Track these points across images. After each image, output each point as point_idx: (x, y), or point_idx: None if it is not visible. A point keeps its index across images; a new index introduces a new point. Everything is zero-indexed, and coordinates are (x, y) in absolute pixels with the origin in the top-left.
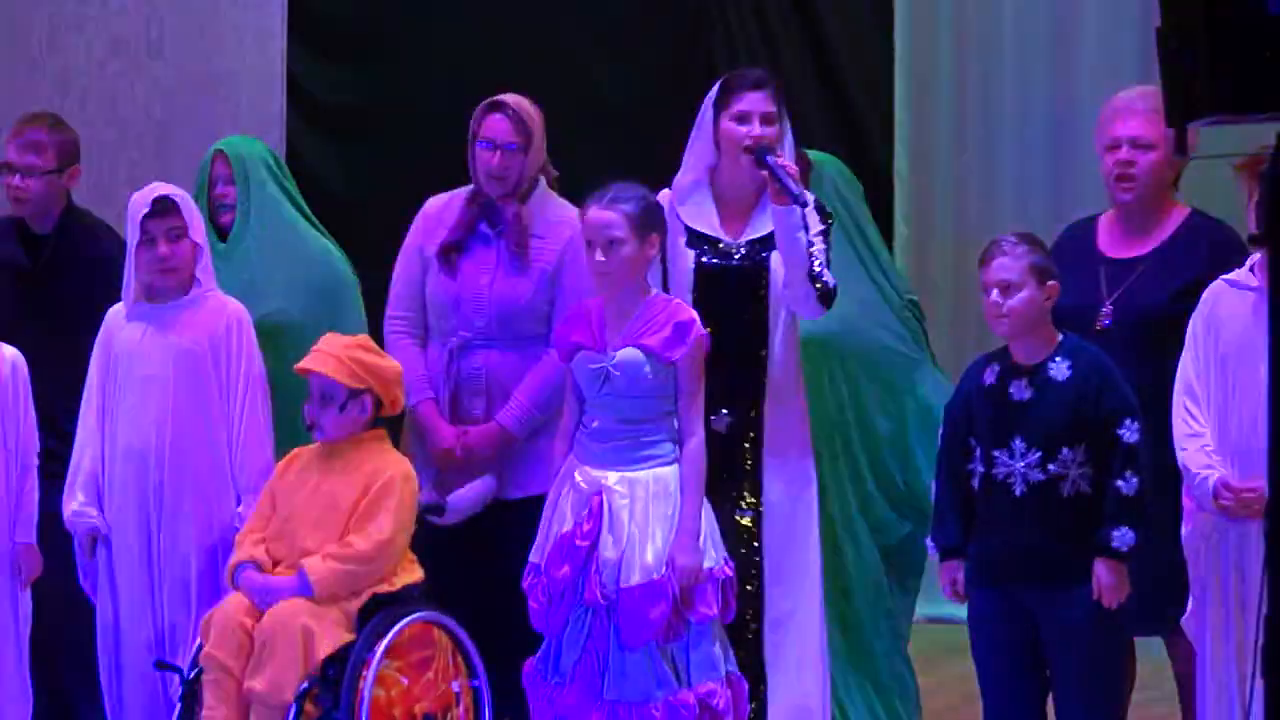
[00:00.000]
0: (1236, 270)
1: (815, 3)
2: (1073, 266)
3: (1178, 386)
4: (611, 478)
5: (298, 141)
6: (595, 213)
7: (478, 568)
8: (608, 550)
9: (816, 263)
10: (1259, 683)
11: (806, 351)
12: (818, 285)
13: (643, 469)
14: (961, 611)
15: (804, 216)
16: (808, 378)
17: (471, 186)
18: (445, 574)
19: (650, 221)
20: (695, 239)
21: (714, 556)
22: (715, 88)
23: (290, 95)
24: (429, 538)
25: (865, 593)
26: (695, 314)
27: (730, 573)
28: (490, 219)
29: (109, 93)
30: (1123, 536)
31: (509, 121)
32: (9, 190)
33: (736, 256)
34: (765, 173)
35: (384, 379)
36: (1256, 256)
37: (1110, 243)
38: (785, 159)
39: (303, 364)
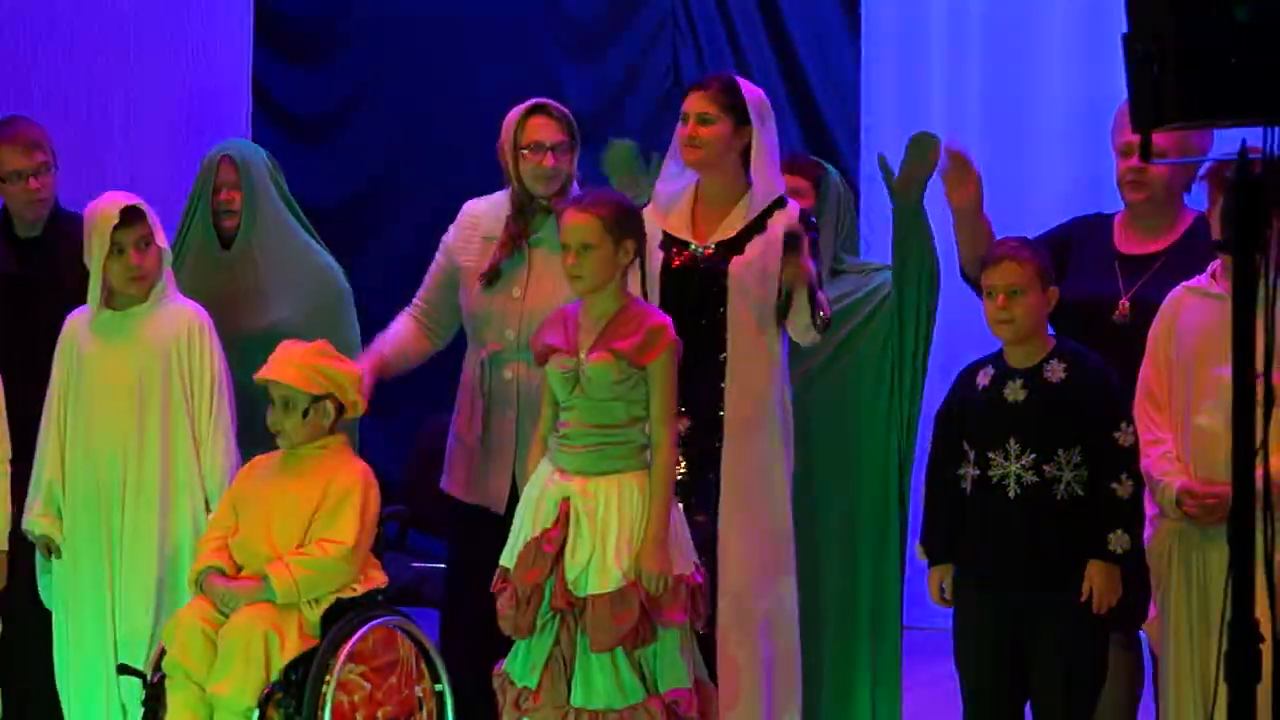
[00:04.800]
0: (1198, 277)
1: (781, 7)
2: (1090, 260)
3: (1139, 393)
4: (581, 483)
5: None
6: (570, 216)
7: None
8: (575, 556)
9: (820, 313)
10: (1222, 689)
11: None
12: (818, 322)
13: (612, 474)
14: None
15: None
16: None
17: (507, 191)
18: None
19: (625, 227)
20: (667, 241)
21: (683, 563)
22: None
23: (256, 101)
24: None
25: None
26: (669, 320)
27: (701, 579)
28: (534, 225)
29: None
30: (1118, 540)
31: (554, 121)
32: (23, 195)
33: (701, 261)
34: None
35: (343, 384)
36: (1217, 263)
37: (1125, 239)
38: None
39: (262, 372)
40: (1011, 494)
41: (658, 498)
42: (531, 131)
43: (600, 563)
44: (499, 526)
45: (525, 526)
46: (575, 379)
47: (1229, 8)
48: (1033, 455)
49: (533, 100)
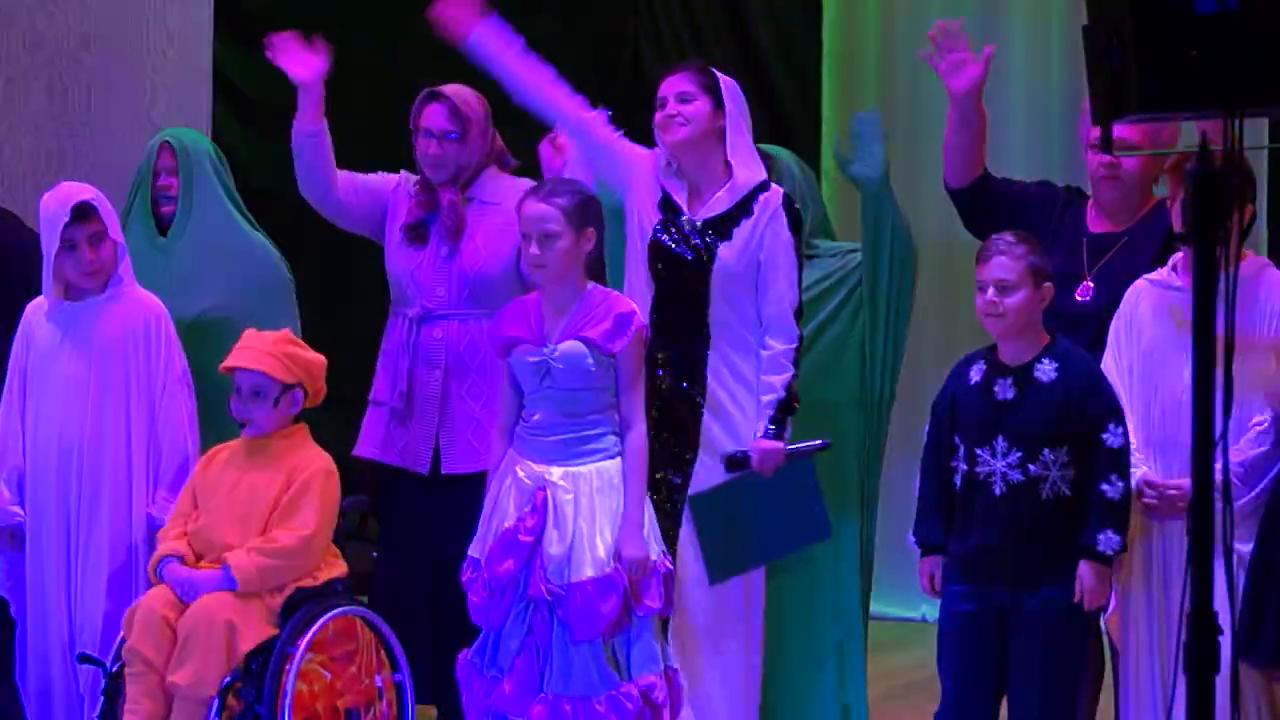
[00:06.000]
0: (1159, 270)
1: (744, 2)
2: (1063, 238)
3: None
4: (555, 472)
5: (225, 137)
6: (530, 206)
7: (421, 549)
8: (553, 546)
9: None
10: (1181, 680)
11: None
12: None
13: (586, 463)
14: (891, 609)
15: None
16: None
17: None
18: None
19: (586, 215)
20: (666, 203)
21: (656, 549)
22: None
23: (218, 91)
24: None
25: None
26: (634, 306)
27: (670, 566)
28: (433, 204)
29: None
30: (1108, 540)
31: (446, 111)
32: None
33: (690, 242)
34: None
35: (312, 371)
36: (1179, 256)
37: (1093, 220)
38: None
39: (233, 361)
40: (998, 491)
41: (633, 483)
42: (425, 118)
43: (581, 552)
44: (421, 487)
45: (496, 517)
46: (545, 369)
47: (1189, 1)
48: (1019, 454)
49: (437, 87)
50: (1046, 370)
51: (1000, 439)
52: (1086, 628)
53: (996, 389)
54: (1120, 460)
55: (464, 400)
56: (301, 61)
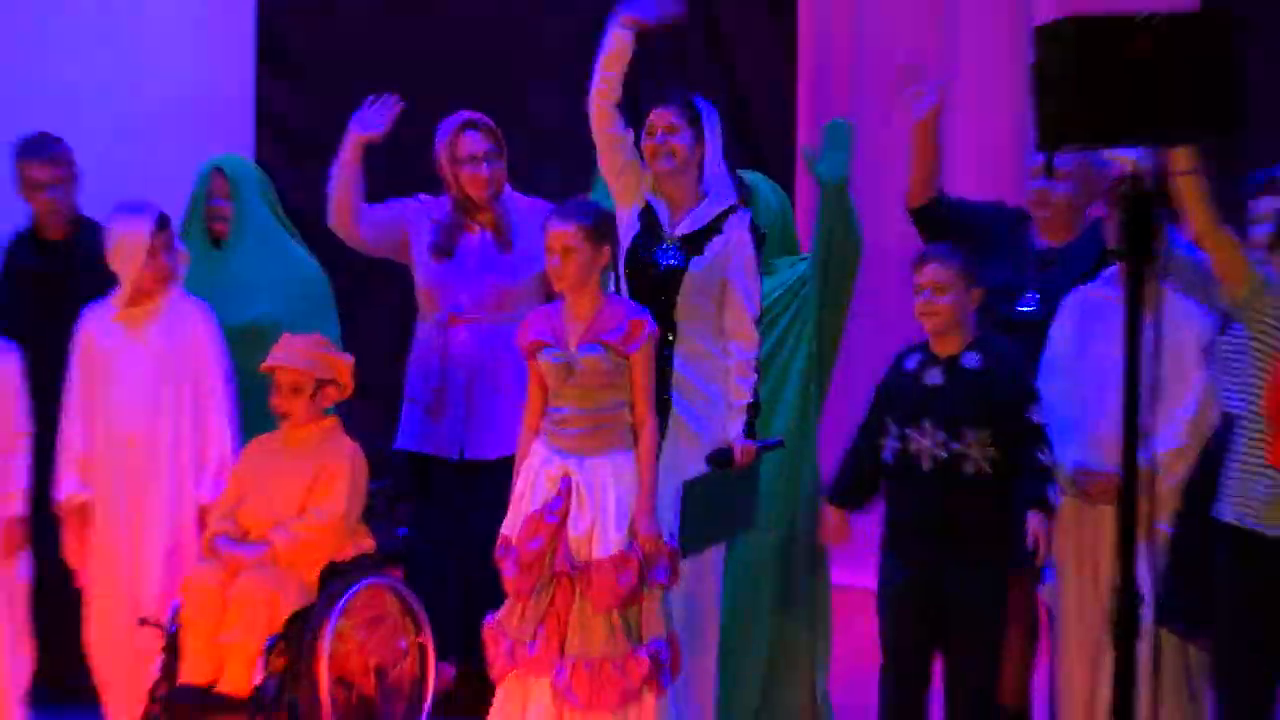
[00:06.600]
0: (1095, 281)
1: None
2: (1008, 253)
3: (1040, 384)
4: (579, 462)
5: (267, 162)
6: (554, 224)
7: (452, 527)
8: (577, 526)
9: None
10: (1107, 646)
11: None
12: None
13: (604, 454)
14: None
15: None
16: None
17: (445, 196)
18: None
19: (602, 232)
20: (646, 213)
21: (665, 530)
22: None
23: (260, 120)
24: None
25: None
26: (647, 313)
27: (676, 545)
28: (473, 221)
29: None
30: (1053, 492)
31: (483, 135)
32: (42, 204)
33: (664, 259)
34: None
35: (340, 369)
36: (1113, 268)
37: (1037, 237)
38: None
39: (272, 361)
40: (926, 467)
41: (646, 471)
42: (466, 146)
43: (601, 532)
44: (450, 473)
45: (526, 501)
46: (568, 369)
47: (1124, 44)
48: (943, 434)
49: (466, 117)
50: (971, 360)
51: (926, 420)
52: (1005, 588)
53: (927, 376)
54: (1045, 435)
55: (488, 394)
56: (370, 120)
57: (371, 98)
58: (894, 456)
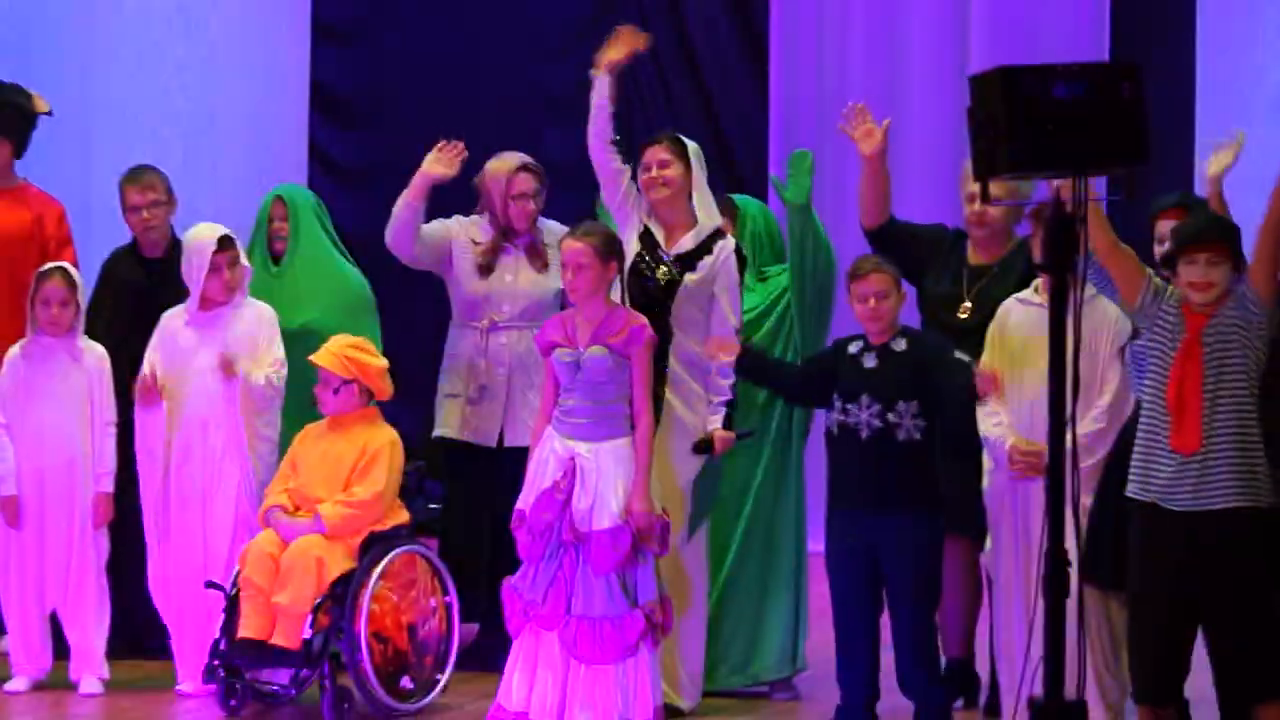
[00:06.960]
0: (1025, 291)
1: (703, 66)
2: (945, 268)
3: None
4: (583, 447)
5: (318, 190)
6: (568, 243)
7: (485, 505)
8: (580, 502)
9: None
10: (1040, 603)
11: None
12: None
13: (606, 440)
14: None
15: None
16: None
17: (479, 217)
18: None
19: (611, 251)
20: (645, 235)
21: (658, 506)
22: None
23: (311, 155)
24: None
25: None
26: (646, 321)
27: (668, 519)
28: (508, 243)
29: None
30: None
31: (534, 176)
32: (139, 224)
33: (663, 278)
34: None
35: (370, 373)
36: (1040, 279)
37: (971, 253)
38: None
39: (313, 357)
40: (863, 436)
41: (641, 456)
42: (520, 185)
43: (601, 507)
44: (489, 458)
45: (538, 479)
46: (577, 367)
47: (1048, 87)
48: (877, 407)
49: (521, 160)
50: (899, 344)
51: (865, 396)
52: (941, 544)
53: (865, 360)
54: (968, 398)
55: (523, 390)
56: (442, 162)
57: (443, 142)
58: (837, 427)
